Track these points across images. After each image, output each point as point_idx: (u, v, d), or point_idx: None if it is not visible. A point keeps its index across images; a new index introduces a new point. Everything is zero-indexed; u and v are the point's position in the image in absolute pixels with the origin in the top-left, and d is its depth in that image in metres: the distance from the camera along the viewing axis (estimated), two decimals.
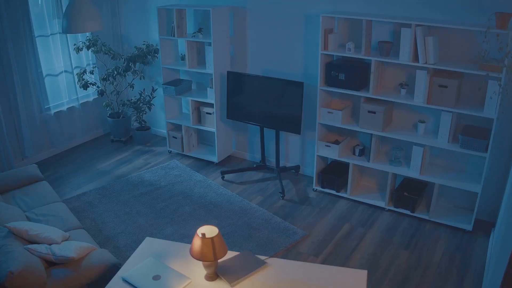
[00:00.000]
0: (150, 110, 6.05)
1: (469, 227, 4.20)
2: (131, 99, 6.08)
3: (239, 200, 4.75)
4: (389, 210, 4.56)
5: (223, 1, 5.15)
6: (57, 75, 5.66)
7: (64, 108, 5.79)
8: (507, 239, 2.70)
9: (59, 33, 5.53)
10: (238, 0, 5.06)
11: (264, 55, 5.13)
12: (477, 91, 4.03)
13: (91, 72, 5.93)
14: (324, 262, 3.88)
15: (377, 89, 4.38)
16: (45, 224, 3.50)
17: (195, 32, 5.28)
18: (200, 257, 2.60)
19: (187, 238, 4.15)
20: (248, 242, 4.10)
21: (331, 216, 4.51)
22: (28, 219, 3.67)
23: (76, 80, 5.75)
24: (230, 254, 2.95)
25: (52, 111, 5.63)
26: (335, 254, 3.97)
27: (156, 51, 5.79)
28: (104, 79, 5.84)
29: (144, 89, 6.09)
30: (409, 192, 4.42)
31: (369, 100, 4.42)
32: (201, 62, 5.48)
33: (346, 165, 4.94)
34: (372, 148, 4.48)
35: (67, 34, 5.56)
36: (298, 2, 4.69)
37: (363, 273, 2.81)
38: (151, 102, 6.08)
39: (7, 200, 3.96)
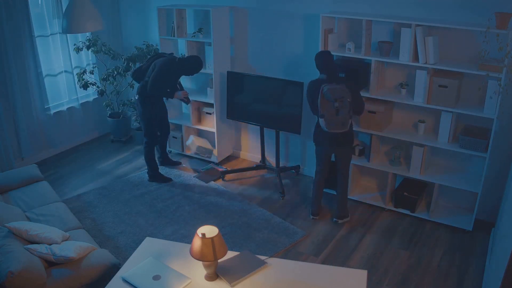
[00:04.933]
0: None
1: (469, 227, 4.20)
2: (131, 99, 6.07)
3: (239, 200, 4.75)
4: (389, 210, 4.56)
5: (223, 1, 5.14)
6: (56, 75, 5.66)
7: (64, 108, 5.79)
8: (507, 239, 2.70)
9: (59, 33, 5.53)
10: (238, 0, 5.06)
11: (264, 55, 5.12)
12: (477, 91, 4.03)
13: (91, 72, 5.93)
14: (324, 262, 3.87)
15: (377, 89, 4.38)
16: (45, 224, 3.50)
17: (195, 32, 5.28)
18: (200, 257, 2.60)
19: (187, 238, 4.15)
20: (248, 242, 4.10)
21: (331, 216, 4.50)
22: (28, 219, 3.67)
23: (76, 80, 5.74)
24: (230, 254, 2.95)
25: (52, 111, 5.63)
26: (335, 254, 3.97)
27: (156, 51, 5.78)
28: (104, 79, 5.84)
29: None
30: (409, 192, 4.42)
31: (369, 100, 4.42)
32: None
33: None
34: (372, 148, 4.48)
35: (67, 34, 5.55)
36: (298, 2, 4.69)
37: (363, 273, 2.81)
38: None
39: (7, 200, 3.96)
